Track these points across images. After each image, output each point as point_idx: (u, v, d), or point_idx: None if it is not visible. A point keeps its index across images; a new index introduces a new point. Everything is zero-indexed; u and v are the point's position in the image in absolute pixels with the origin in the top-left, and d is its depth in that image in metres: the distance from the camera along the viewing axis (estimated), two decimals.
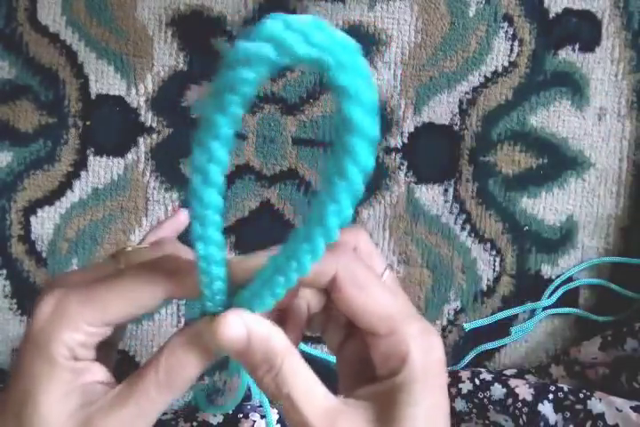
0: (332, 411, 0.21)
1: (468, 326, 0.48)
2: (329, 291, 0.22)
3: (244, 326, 0.21)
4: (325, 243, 0.19)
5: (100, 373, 0.23)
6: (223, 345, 0.21)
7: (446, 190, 0.48)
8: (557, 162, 0.48)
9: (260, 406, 0.44)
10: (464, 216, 0.48)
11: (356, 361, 0.25)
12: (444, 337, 0.49)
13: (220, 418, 0.42)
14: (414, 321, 0.22)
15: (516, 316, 0.49)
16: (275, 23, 0.16)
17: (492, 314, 0.49)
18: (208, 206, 0.19)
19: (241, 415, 0.42)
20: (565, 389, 0.42)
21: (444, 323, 0.49)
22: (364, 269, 0.22)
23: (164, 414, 0.45)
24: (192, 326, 0.22)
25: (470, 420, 0.44)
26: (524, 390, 0.42)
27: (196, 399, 0.25)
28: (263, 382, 0.21)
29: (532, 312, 0.49)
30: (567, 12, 0.47)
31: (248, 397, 0.48)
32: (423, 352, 0.21)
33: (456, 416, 0.45)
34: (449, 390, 0.45)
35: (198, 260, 0.21)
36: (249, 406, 0.43)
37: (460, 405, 0.44)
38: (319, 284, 0.22)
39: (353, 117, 0.17)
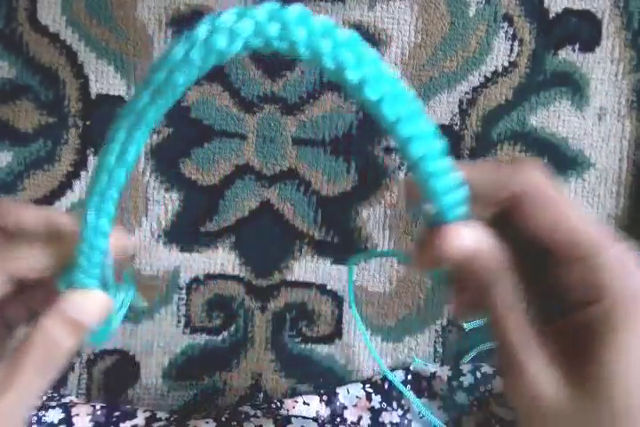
0: (533, 334, 0.20)
1: (468, 326, 0.48)
2: (510, 207, 0.21)
3: (472, 237, 0.20)
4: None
5: None
6: (451, 254, 0.20)
7: None
8: (557, 162, 0.48)
9: (255, 415, 0.43)
10: None
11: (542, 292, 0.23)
12: (443, 337, 0.49)
13: (212, 425, 0.42)
14: (614, 242, 0.20)
15: None
16: (201, 27, 0.19)
17: None
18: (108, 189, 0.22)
19: (235, 423, 0.42)
20: None
21: (444, 323, 0.49)
22: (553, 186, 0.21)
23: (159, 420, 0.44)
24: (60, 302, 0.22)
25: (471, 413, 0.44)
26: None
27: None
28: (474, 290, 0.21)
29: None
30: (567, 12, 0.47)
31: (248, 397, 0.48)
32: (628, 276, 0.19)
33: (457, 409, 0.45)
34: (450, 384, 0.45)
35: (85, 229, 0.21)
36: (243, 415, 0.43)
37: (462, 398, 0.44)
38: (500, 195, 0.21)
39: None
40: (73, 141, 0.48)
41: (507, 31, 0.47)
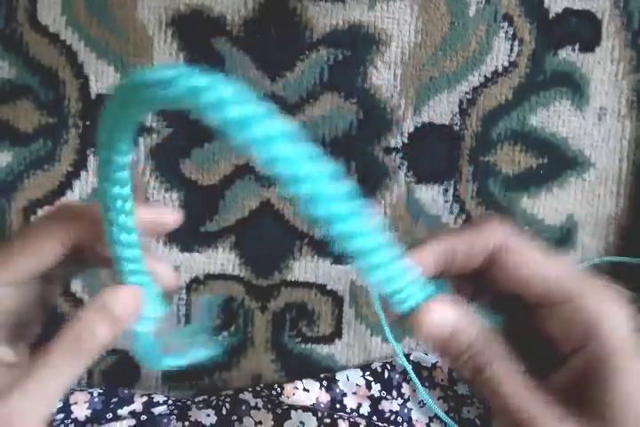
0: (539, 397, 0.20)
1: None
2: (487, 265, 0.21)
3: (447, 317, 0.20)
4: None
5: (6, 355, 0.23)
6: (427, 335, 0.20)
7: (446, 190, 0.48)
8: (557, 162, 0.48)
9: (256, 406, 0.43)
10: (464, 216, 0.48)
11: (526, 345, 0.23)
12: None
13: (212, 419, 0.42)
14: (593, 282, 0.20)
15: None
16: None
17: None
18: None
19: (235, 418, 0.42)
20: None
21: None
22: (523, 239, 0.21)
23: (157, 404, 0.44)
24: (99, 295, 0.22)
25: (472, 404, 0.45)
26: None
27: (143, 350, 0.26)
28: (464, 368, 0.21)
29: None
30: (567, 12, 0.47)
31: (244, 389, 0.48)
32: (613, 315, 0.19)
33: (458, 400, 0.45)
34: (450, 375, 0.45)
35: (103, 196, 0.22)
36: (244, 406, 0.43)
37: (462, 389, 0.45)
38: (479, 257, 0.21)
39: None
40: (73, 141, 0.48)
41: (507, 31, 0.47)
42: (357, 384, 0.46)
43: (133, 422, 0.42)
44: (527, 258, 0.21)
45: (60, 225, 0.23)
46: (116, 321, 0.22)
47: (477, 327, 0.20)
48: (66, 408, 0.42)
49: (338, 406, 0.44)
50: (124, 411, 0.42)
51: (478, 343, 0.20)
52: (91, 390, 0.43)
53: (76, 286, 0.47)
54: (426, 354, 0.47)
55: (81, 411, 0.42)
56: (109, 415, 0.42)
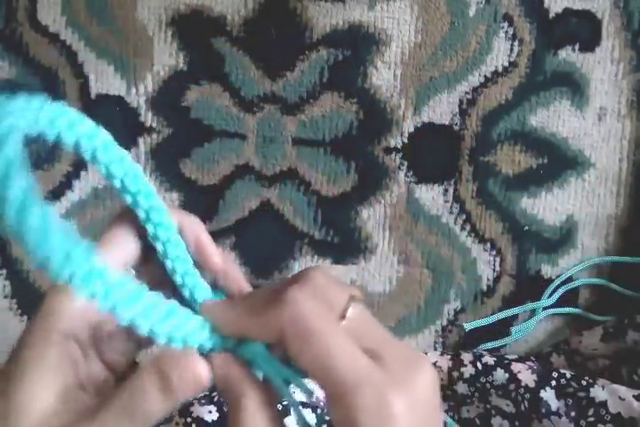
0: None
1: (467, 326, 0.48)
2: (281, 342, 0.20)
3: (223, 368, 0.21)
4: None
5: (99, 374, 0.22)
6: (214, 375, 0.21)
7: (446, 190, 0.48)
8: (557, 162, 0.48)
9: None
10: (464, 216, 0.48)
11: None
12: (443, 337, 0.49)
13: (214, 416, 0.42)
14: (373, 383, 0.18)
15: (515, 316, 0.49)
16: None
17: (492, 314, 0.49)
18: None
19: None
20: (568, 375, 0.42)
21: (444, 323, 0.49)
22: (318, 317, 0.20)
23: None
24: (161, 360, 0.20)
25: (471, 403, 0.44)
26: (527, 376, 0.42)
27: None
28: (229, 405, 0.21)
29: (532, 312, 0.49)
30: (567, 12, 0.47)
31: None
32: (379, 418, 0.18)
33: (457, 399, 0.45)
34: (450, 374, 0.45)
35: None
36: None
37: (462, 388, 0.44)
38: (269, 338, 0.21)
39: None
40: None
41: (507, 31, 0.47)
42: None
43: None
44: (316, 342, 0.19)
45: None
46: (173, 397, 0.20)
47: (243, 382, 0.21)
48: None
49: None
50: None
51: (240, 393, 0.20)
52: None
53: None
54: (425, 353, 0.47)
55: None
56: None
